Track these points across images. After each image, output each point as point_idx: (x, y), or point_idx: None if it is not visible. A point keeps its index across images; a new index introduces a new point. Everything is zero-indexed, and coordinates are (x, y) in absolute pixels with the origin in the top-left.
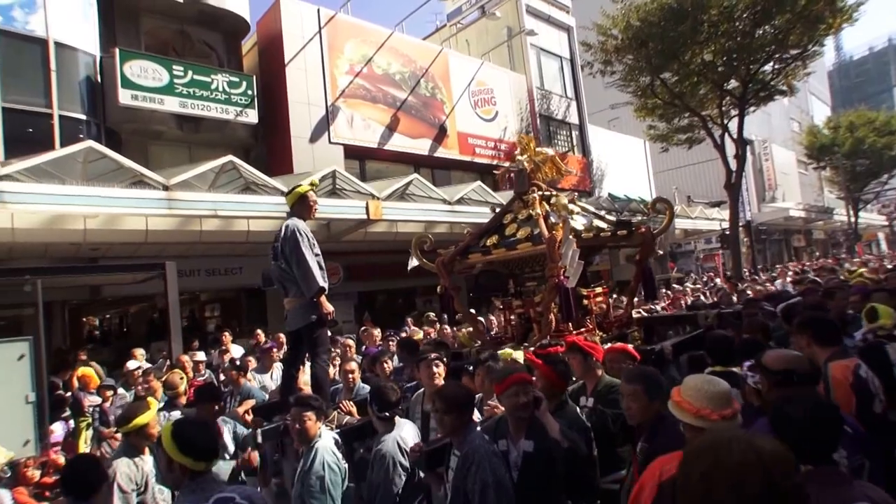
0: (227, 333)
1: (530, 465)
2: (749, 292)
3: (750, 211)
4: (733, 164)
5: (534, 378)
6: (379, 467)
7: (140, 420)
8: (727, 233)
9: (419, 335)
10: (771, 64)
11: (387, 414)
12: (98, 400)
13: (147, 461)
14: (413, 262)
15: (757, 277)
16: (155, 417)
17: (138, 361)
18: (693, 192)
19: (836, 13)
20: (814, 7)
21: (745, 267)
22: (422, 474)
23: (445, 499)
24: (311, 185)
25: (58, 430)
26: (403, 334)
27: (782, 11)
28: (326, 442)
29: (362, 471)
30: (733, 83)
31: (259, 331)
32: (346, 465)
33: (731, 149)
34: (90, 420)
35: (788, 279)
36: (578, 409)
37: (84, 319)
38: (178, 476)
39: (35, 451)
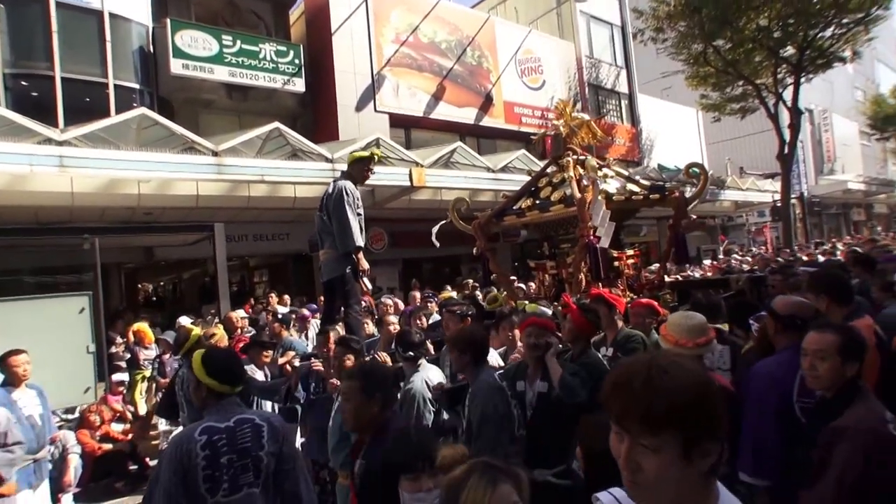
0: (273, 295)
1: (544, 404)
2: (780, 259)
3: (806, 183)
4: (787, 135)
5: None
6: (409, 406)
7: (190, 341)
8: (778, 205)
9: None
10: (831, 29)
11: (411, 353)
12: (152, 354)
13: None
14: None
15: (789, 250)
16: (200, 336)
17: (190, 318)
18: (747, 164)
19: None
20: None
21: (798, 241)
22: (446, 416)
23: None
24: (377, 156)
25: (118, 379)
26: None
27: None
28: None
29: None
30: (790, 50)
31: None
32: None
33: (785, 118)
34: (145, 373)
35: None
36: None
37: (140, 285)
38: (204, 397)
39: (95, 398)
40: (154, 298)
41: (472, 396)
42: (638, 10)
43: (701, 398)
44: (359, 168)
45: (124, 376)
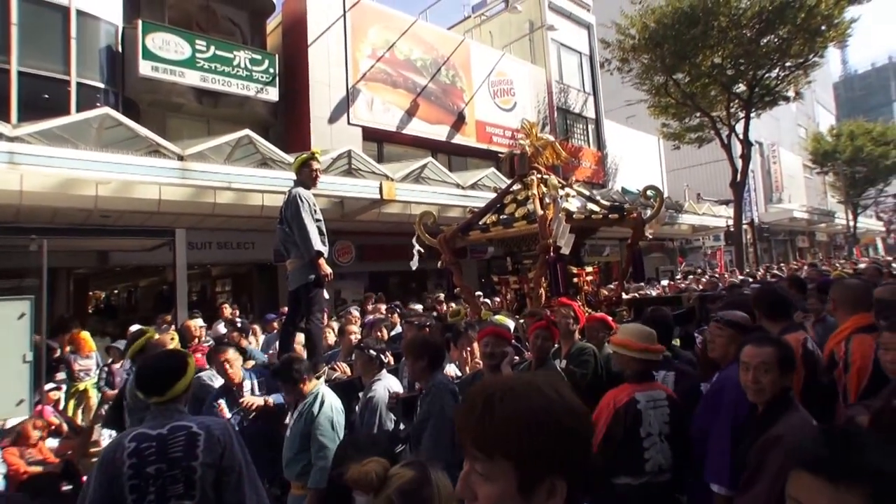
0: (226, 305)
1: None
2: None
3: (756, 210)
4: (739, 164)
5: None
6: (371, 414)
7: (139, 343)
8: (732, 230)
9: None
10: (776, 70)
11: (372, 353)
12: (90, 364)
13: None
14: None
15: (736, 271)
16: (151, 338)
17: (140, 326)
18: (704, 191)
19: (832, 27)
20: (812, 21)
21: (750, 264)
22: (402, 426)
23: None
24: (313, 153)
25: (49, 388)
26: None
27: (785, 23)
28: (328, 390)
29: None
30: (741, 87)
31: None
32: None
33: (738, 149)
34: (79, 385)
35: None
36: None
37: (91, 293)
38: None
39: (29, 411)
40: (105, 306)
41: (423, 397)
42: (605, 40)
43: (546, 430)
44: (306, 172)
45: (56, 385)
